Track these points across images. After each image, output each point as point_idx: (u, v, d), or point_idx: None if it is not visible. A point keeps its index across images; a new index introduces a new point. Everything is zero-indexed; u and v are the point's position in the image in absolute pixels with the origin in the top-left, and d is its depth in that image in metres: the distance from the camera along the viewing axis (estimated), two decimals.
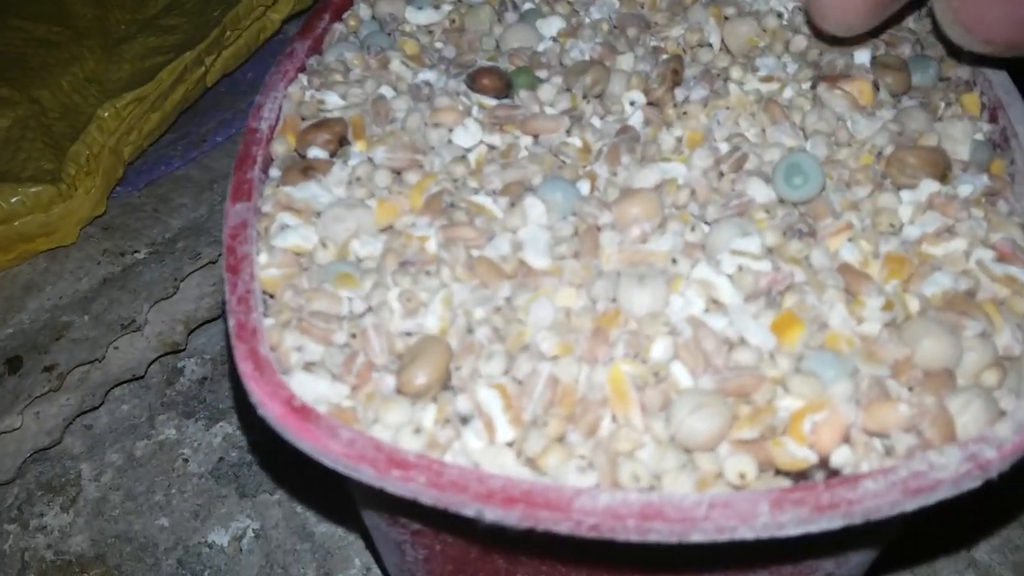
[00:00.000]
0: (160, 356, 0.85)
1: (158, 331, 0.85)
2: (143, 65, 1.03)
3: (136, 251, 0.92)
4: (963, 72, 0.63)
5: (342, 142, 0.58)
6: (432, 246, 0.51)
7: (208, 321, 0.87)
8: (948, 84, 0.63)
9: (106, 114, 0.95)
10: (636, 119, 0.60)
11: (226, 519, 0.73)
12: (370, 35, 0.67)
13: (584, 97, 0.59)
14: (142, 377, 0.83)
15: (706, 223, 0.51)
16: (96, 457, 0.79)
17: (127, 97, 0.96)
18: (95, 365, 0.82)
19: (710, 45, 0.66)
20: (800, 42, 0.65)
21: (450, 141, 0.57)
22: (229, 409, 0.82)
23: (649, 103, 0.60)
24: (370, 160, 0.55)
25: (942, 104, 0.60)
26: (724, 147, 0.55)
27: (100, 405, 0.81)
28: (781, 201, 0.52)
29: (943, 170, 0.53)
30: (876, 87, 0.59)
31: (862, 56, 0.62)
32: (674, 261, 0.48)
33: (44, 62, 1.05)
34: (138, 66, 1.03)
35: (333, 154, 0.58)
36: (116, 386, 0.83)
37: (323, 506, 0.75)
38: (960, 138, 0.56)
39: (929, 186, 0.53)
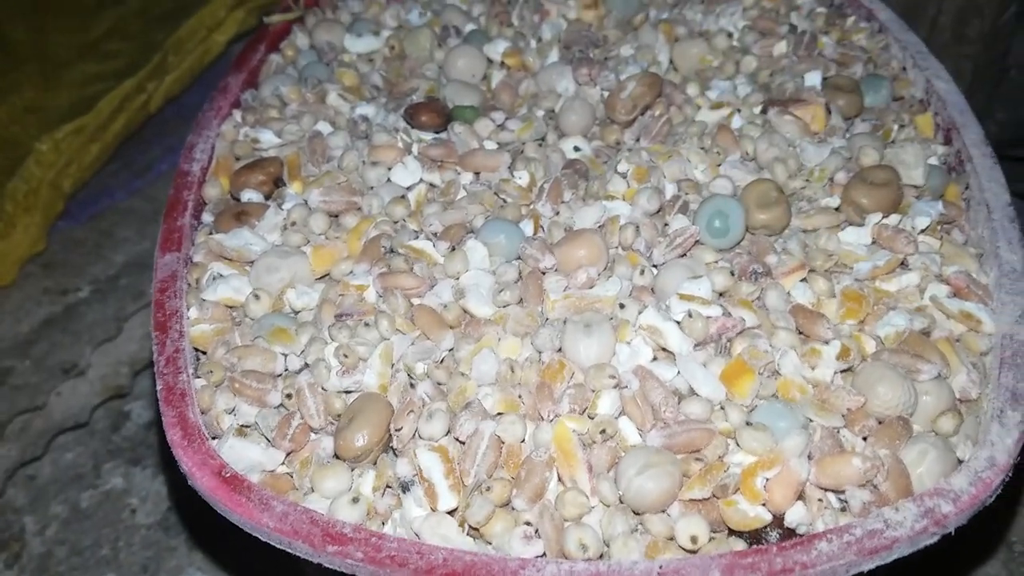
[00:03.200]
0: (105, 401, 0.82)
1: (102, 374, 0.82)
2: (83, 93, 1.00)
3: (78, 289, 0.89)
4: (917, 91, 0.62)
5: (277, 183, 0.56)
6: (371, 295, 0.49)
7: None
8: (902, 104, 0.62)
9: (44, 147, 0.92)
10: (584, 153, 0.58)
11: (175, 572, 0.70)
12: (308, 66, 0.64)
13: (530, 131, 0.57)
14: (86, 424, 0.80)
15: (655, 266, 0.50)
16: (40, 509, 0.76)
17: (66, 129, 0.93)
18: (37, 412, 0.79)
19: (659, 63, 0.64)
20: (750, 63, 0.63)
21: (389, 180, 0.55)
22: None
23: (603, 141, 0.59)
24: (305, 203, 0.53)
25: (895, 126, 0.59)
26: (671, 187, 0.53)
27: (43, 455, 0.78)
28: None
29: (896, 204, 0.52)
30: (828, 111, 0.58)
31: (813, 77, 0.61)
32: (621, 306, 0.46)
33: None
34: (77, 94, 1.00)
35: (268, 196, 0.56)
36: (59, 434, 0.80)
37: (277, 556, 0.72)
38: (913, 162, 0.54)
39: (879, 219, 0.51)
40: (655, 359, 0.45)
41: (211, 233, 0.53)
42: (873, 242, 0.51)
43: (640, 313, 0.46)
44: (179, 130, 1.06)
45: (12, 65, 1.05)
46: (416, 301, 0.48)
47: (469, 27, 0.68)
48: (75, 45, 1.08)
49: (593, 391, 0.43)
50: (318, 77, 0.63)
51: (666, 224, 0.52)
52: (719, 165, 0.55)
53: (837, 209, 0.53)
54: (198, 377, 0.46)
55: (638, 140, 0.59)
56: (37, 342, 0.84)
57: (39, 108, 1.01)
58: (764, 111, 0.59)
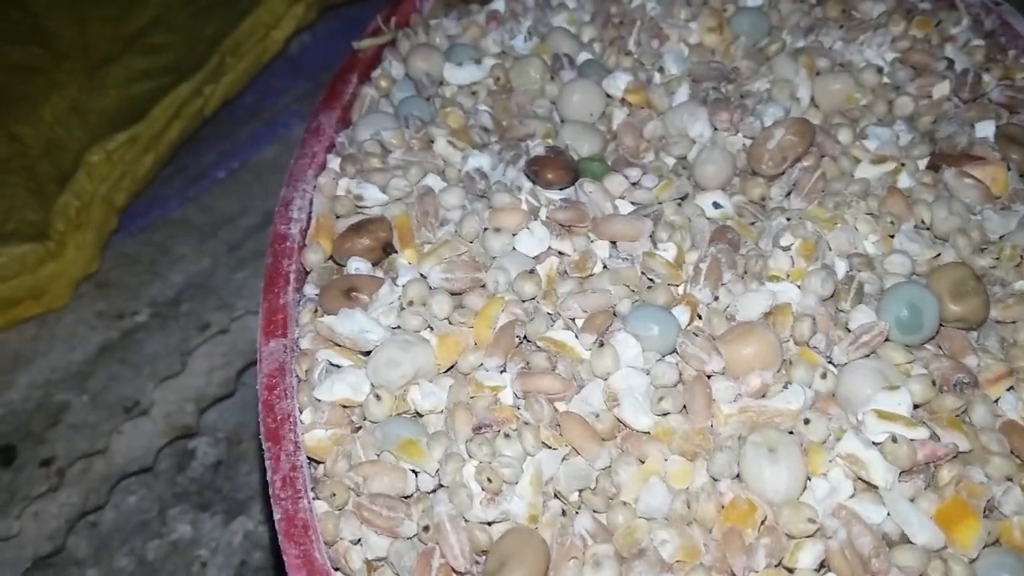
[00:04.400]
0: (170, 442, 0.76)
1: (166, 412, 0.77)
2: (130, 92, 0.93)
3: (135, 312, 0.83)
4: None
5: (386, 249, 0.49)
6: (507, 396, 0.43)
7: (220, 399, 0.78)
8: None
9: (95, 158, 0.86)
10: (725, 211, 0.52)
11: None
12: (406, 101, 0.57)
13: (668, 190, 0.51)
14: (151, 468, 0.75)
15: (832, 363, 0.43)
16: (104, 562, 0.71)
17: (119, 139, 0.86)
18: (98, 456, 0.74)
19: (797, 99, 0.57)
20: (906, 104, 0.56)
21: (514, 249, 0.48)
22: (249, 499, 0.74)
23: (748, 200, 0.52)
24: (422, 278, 0.46)
25: None
26: (841, 264, 0.46)
27: (106, 502, 0.73)
28: None
29: None
30: (1007, 169, 0.51)
31: (986, 128, 0.53)
32: (806, 422, 0.40)
33: (23, 92, 0.95)
34: (124, 92, 0.93)
35: (376, 263, 0.49)
36: (123, 479, 0.74)
37: None
38: None
39: None
40: (854, 494, 0.38)
41: (316, 311, 0.47)
42: None
43: (835, 436, 0.39)
44: (233, 133, 1.00)
45: (54, 63, 0.98)
46: (561, 407, 0.42)
47: (583, 56, 0.60)
48: (118, 37, 1.00)
49: (789, 537, 0.37)
50: (420, 117, 0.56)
51: (839, 310, 0.45)
52: (892, 236, 0.49)
53: None
54: (318, 499, 0.40)
55: (788, 196, 0.52)
56: (93, 374, 0.79)
57: (85, 108, 0.94)
58: (935, 168, 0.52)
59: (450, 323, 0.45)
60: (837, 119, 0.56)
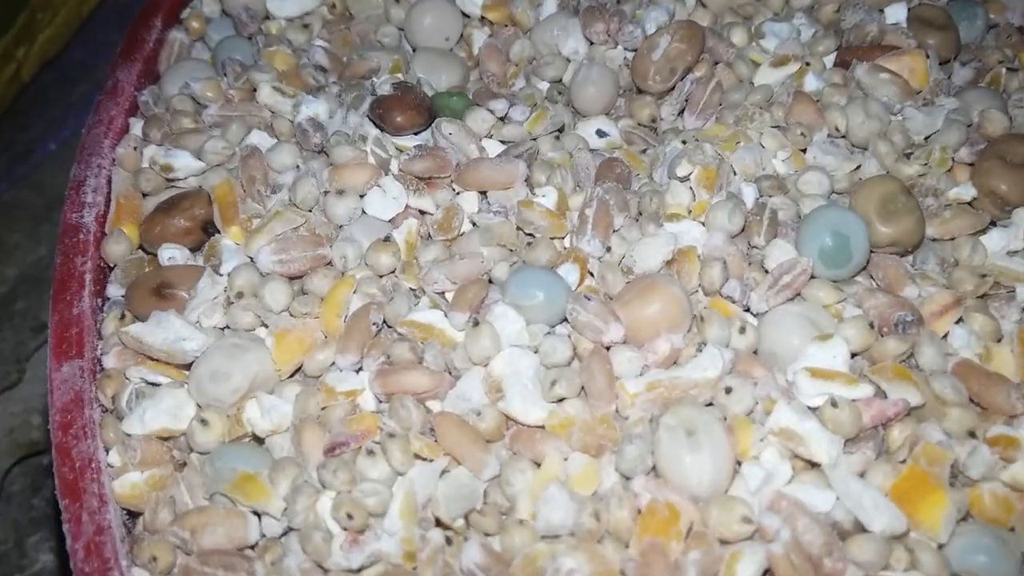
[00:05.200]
0: (18, 461, 0.67)
1: (8, 429, 0.67)
2: None
3: None
4: (1015, 16, 0.49)
5: (207, 230, 0.40)
6: (367, 401, 0.35)
7: None
8: (998, 36, 0.48)
9: None
10: (612, 139, 0.44)
11: None
12: (223, 44, 0.48)
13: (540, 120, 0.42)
14: None
15: (750, 313, 0.36)
16: None
17: None
18: None
19: (682, 2, 0.49)
20: None
21: (363, 213, 0.39)
22: None
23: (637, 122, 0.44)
24: (251, 262, 0.38)
25: (1003, 69, 0.45)
26: (748, 191, 0.39)
27: None
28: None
29: None
30: (926, 57, 0.44)
31: (897, 11, 0.46)
32: (727, 391, 0.33)
33: None
34: None
35: (196, 248, 0.40)
36: None
37: None
38: None
39: None
40: (794, 478, 0.31)
41: (122, 317, 0.38)
42: None
43: (763, 407, 0.32)
44: (61, 97, 0.87)
45: None
46: (435, 406, 0.34)
47: None
48: None
49: (723, 543, 0.30)
50: (240, 61, 0.46)
51: (752, 247, 0.38)
52: (803, 151, 0.42)
53: (971, 203, 0.40)
54: (135, 566, 0.31)
55: (681, 114, 0.45)
56: None
57: None
58: (844, 64, 0.45)
59: (291, 315, 0.37)
60: (729, 18, 0.49)
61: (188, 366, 0.36)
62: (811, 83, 0.44)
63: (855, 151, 0.42)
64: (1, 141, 0.84)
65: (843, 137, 0.42)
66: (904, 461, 0.33)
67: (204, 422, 0.34)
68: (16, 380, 0.68)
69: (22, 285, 0.74)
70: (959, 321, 0.35)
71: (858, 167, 0.41)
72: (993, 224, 0.39)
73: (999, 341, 0.35)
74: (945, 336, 0.35)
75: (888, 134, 0.41)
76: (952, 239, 0.38)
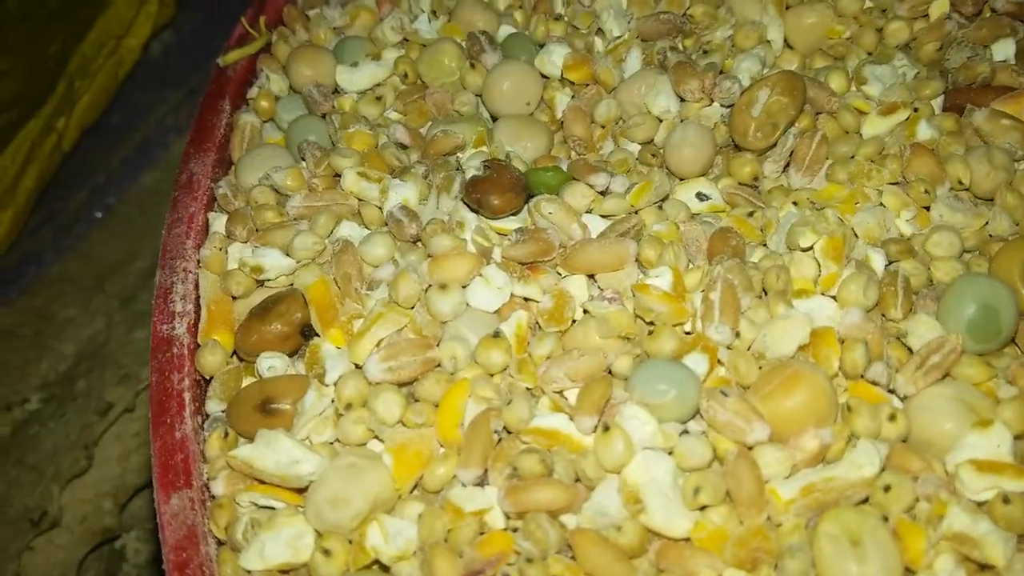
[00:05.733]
0: (92, 549, 0.65)
1: (80, 517, 0.65)
2: None
3: (25, 400, 0.71)
4: None
5: (305, 333, 0.38)
6: (498, 520, 0.32)
7: (141, 487, 0.67)
8: None
9: None
10: (713, 202, 0.42)
11: None
12: (297, 125, 0.46)
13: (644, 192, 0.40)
14: None
15: (896, 395, 0.34)
16: None
17: None
18: None
19: (768, 42, 0.47)
20: (900, 30, 0.46)
21: (468, 306, 0.37)
22: None
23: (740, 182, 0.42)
24: (357, 369, 0.36)
25: None
26: (876, 257, 0.37)
27: None
28: None
29: None
30: None
31: (1004, 48, 0.44)
32: (886, 489, 0.30)
33: None
34: None
35: (294, 353, 0.38)
36: None
37: None
38: None
39: None
40: None
41: (226, 436, 0.36)
42: None
43: (931, 506, 0.30)
44: (103, 163, 0.86)
45: None
46: (570, 520, 0.32)
47: (504, 30, 0.49)
48: None
49: None
50: (318, 144, 0.44)
51: (888, 320, 0.35)
52: (927, 208, 0.39)
53: None
54: None
55: (785, 170, 0.42)
56: None
57: None
58: (957, 109, 0.42)
59: (404, 426, 0.35)
60: (820, 60, 0.46)
61: (303, 489, 0.34)
62: (924, 131, 0.41)
63: (980, 203, 0.39)
64: (45, 213, 0.83)
65: (966, 190, 0.40)
66: None
67: (327, 552, 0.32)
68: (86, 467, 0.67)
69: (81, 363, 0.73)
70: None
71: (986, 223, 0.39)
72: None
73: None
74: None
75: (1015, 184, 0.39)
76: None
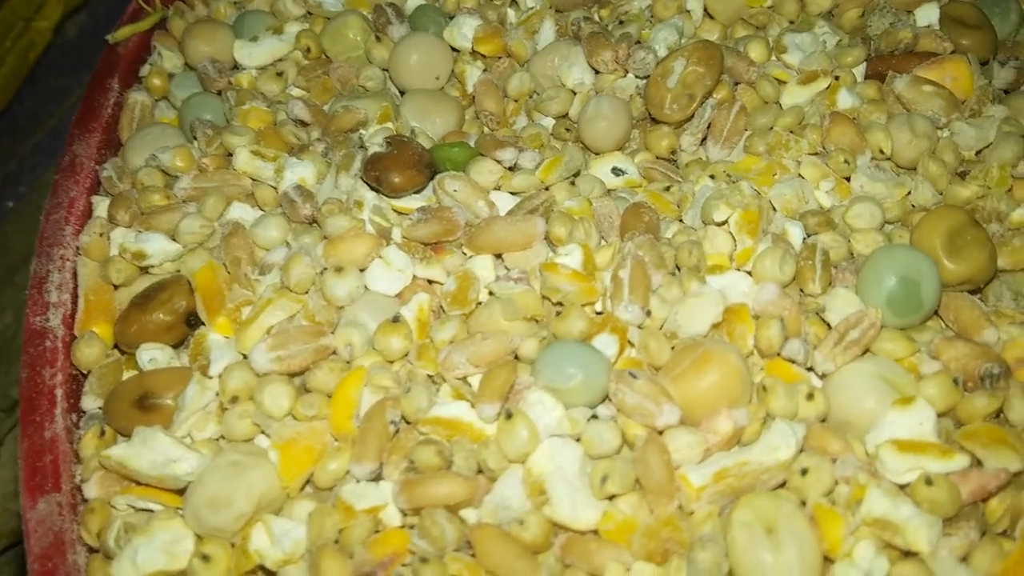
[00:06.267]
0: (1, 552, 0.62)
1: None
2: None
3: None
4: None
5: (190, 322, 0.36)
6: (393, 517, 0.30)
7: None
8: None
9: None
10: (629, 176, 0.40)
11: None
12: (190, 103, 0.43)
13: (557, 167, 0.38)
14: None
15: (815, 373, 0.32)
16: None
17: None
18: None
19: (688, 12, 0.45)
20: None
21: (366, 289, 0.35)
22: None
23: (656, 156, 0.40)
24: (244, 361, 0.33)
25: None
26: (794, 230, 0.35)
27: None
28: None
29: None
30: (967, 62, 0.40)
31: (929, 12, 0.42)
32: (803, 472, 0.29)
33: None
34: None
35: (178, 345, 0.36)
36: None
37: None
38: None
39: None
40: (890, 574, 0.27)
41: (102, 434, 0.33)
42: None
43: (849, 489, 0.28)
44: (15, 152, 0.82)
45: None
46: (470, 515, 0.30)
47: (412, 1, 0.47)
48: None
49: None
50: (211, 122, 0.41)
51: (805, 294, 0.34)
52: (847, 179, 0.37)
53: None
54: None
55: (703, 143, 0.41)
56: None
57: None
58: (878, 76, 0.41)
59: (295, 420, 0.32)
60: (741, 30, 0.45)
61: (183, 490, 0.31)
62: (845, 100, 0.40)
63: (902, 173, 0.38)
64: None
65: (888, 159, 0.38)
66: (1005, 533, 0.29)
67: (206, 558, 0.29)
68: None
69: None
70: None
71: (908, 193, 0.37)
72: None
73: None
74: None
75: (938, 153, 0.37)
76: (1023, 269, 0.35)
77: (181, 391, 0.33)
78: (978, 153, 0.38)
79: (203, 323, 0.35)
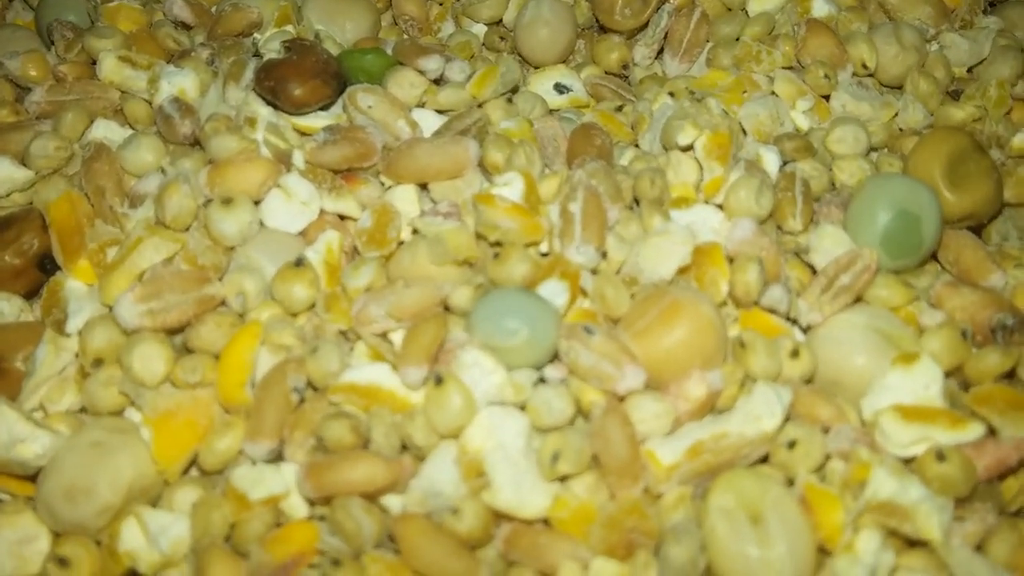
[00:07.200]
0: None
1: None
2: None
3: None
4: None
5: (44, 266, 0.29)
6: (298, 508, 0.25)
7: None
8: None
9: None
10: (575, 94, 0.34)
11: None
12: (48, 2, 0.36)
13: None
14: None
15: (799, 326, 0.27)
16: None
17: None
18: None
19: None
20: None
21: (262, 225, 0.29)
22: None
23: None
24: (110, 313, 0.27)
25: None
26: (770, 157, 0.30)
27: None
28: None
29: None
30: None
31: None
32: (791, 446, 0.24)
33: None
34: None
35: (31, 295, 0.29)
36: None
37: None
38: None
39: None
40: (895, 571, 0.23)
41: None
42: None
43: (850, 466, 0.24)
44: None
45: None
46: (394, 503, 0.25)
47: None
48: None
49: None
50: (73, 24, 0.34)
51: (785, 232, 0.29)
52: (826, 97, 0.33)
53: None
54: None
55: (659, 56, 0.35)
56: None
57: None
58: None
59: (173, 387, 0.26)
60: None
61: (35, 476, 0.25)
62: (820, 6, 0.35)
63: (886, 91, 0.33)
64: None
65: (871, 75, 0.33)
66: (1020, 512, 0.25)
67: (63, 562, 0.24)
68: None
69: None
70: None
71: (895, 114, 0.32)
72: None
73: None
74: None
75: (928, 68, 0.33)
76: None
77: (31, 352, 0.27)
78: (970, 70, 0.34)
79: (59, 267, 0.29)
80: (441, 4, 0.37)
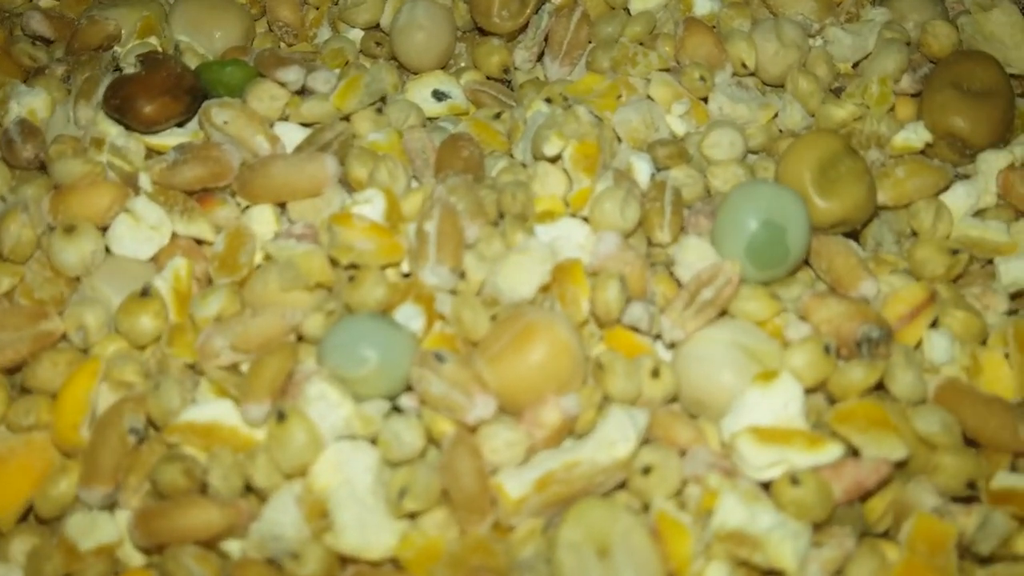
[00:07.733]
0: None
1: None
2: None
3: None
4: None
5: None
6: (133, 557, 0.24)
7: None
8: None
9: None
10: (454, 100, 0.33)
11: None
12: None
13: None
14: None
15: (662, 343, 0.26)
16: None
17: None
18: None
19: None
20: None
21: (108, 252, 0.28)
22: None
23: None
24: None
25: None
26: (641, 164, 0.29)
27: None
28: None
29: (1009, 123, 0.31)
30: None
31: None
32: (646, 471, 0.23)
33: None
34: None
35: None
36: None
37: None
38: (1010, 36, 0.32)
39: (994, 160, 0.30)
40: None
41: None
42: (1001, 202, 0.30)
43: (701, 492, 0.23)
44: None
45: None
46: (234, 549, 0.23)
47: None
48: None
49: None
50: None
51: (653, 245, 0.28)
52: (704, 100, 0.31)
53: (924, 150, 0.31)
54: None
55: (540, 60, 0.34)
56: None
57: None
58: None
59: (7, 430, 0.25)
60: None
61: None
62: (703, 4, 0.33)
63: (769, 91, 0.32)
64: None
65: (752, 75, 0.32)
66: (887, 533, 0.24)
67: None
68: None
69: None
70: (933, 324, 0.27)
71: (775, 115, 0.31)
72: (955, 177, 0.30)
73: (985, 342, 0.27)
74: (918, 345, 0.27)
75: (809, 65, 0.32)
76: (907, 205, 0.29)
77: None
78: (855, 65, 0.33)
79: None
80: (317, 9, 0.36)
